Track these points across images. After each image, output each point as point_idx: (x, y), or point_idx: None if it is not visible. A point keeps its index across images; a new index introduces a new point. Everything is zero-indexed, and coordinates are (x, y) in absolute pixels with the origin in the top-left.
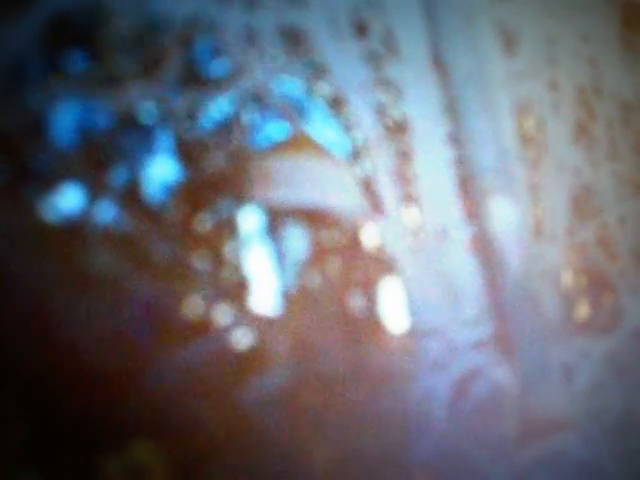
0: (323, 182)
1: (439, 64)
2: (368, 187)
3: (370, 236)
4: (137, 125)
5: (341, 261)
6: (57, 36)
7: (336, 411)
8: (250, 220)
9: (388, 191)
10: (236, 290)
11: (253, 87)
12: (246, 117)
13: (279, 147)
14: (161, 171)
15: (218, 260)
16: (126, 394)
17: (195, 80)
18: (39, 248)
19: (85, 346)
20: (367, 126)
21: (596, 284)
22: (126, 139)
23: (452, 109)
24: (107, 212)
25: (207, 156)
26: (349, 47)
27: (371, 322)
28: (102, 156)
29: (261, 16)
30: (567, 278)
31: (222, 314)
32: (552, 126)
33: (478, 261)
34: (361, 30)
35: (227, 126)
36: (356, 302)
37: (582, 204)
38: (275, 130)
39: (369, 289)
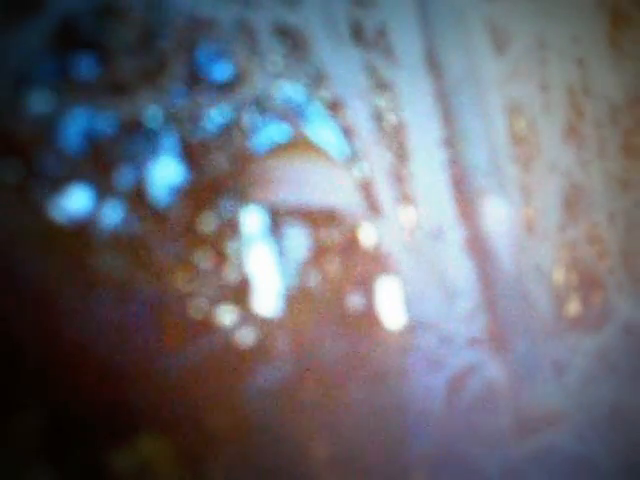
0: (322, 183)
1: (433, 67)
2: (366, 188)
3: (368, 235)
4: (142, 129)
5: (340, 260)
6: (65, 42)
7: (335, 406)
8: (252, 220)
9: (385, 192)
10: (239, 288)
11: (254, 91)
12: (248, 120)
13: (280, 149)
14: (166, 173)
15: (221, 259)
16: (133, 391)
17: (198, 85)
18: (48, 248)
19: (93, 344)
20: (364, 128)
21: (586, 281)
22: (132, 142)
23: (446, 111)
24: (114, 213)
25: (210, 158)
26: (347, 52)
27: (369, 319)
28: (109, 159)
29: (262, 23)
30: (558, 276)
31: (225, 312)
32: (543, 126)
33: (472, 259)
34: (358, 36)
35: (229, 129)
36: (354, 300)
37: (572, 203)
38: (276, 133)
39: (367, 287)
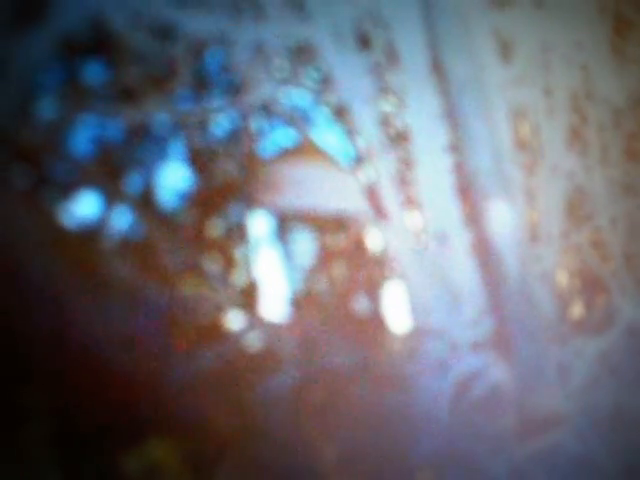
0: (328, 188)
1: (438, 72)
2: (371, 193)
3: (374, 240)
4: (151, 135)
5: (346, 264)
6: (74, 49)
7: (342, 410)
8: (259, 225)
9: (390, 196)
10: (247, 293)
11: (261, 97)
12: (255, 126)
13: (287, 154)
14: (174, 179)
15: (229, 264)
16: (142, 395)
17: (206, 91)
18: (57, 252)
19: (102, 349)
20: (370, 134)
21: (590, 285)
22: (140, 148)
23: (451, 116)
24: (122, 218)
25: (218, 164)
26: (353, 58)
27: (375, 323)
28: (117, 165)
29: (268, 30)
30: (562, 279)
31: (233, 316)
32: (546, 131)
33: (477, 263)
34: (364, 42)
35: (237, 135)
36: (361, 304)
37: (576, 207)
38: (283, 138)
39: (373, 291)
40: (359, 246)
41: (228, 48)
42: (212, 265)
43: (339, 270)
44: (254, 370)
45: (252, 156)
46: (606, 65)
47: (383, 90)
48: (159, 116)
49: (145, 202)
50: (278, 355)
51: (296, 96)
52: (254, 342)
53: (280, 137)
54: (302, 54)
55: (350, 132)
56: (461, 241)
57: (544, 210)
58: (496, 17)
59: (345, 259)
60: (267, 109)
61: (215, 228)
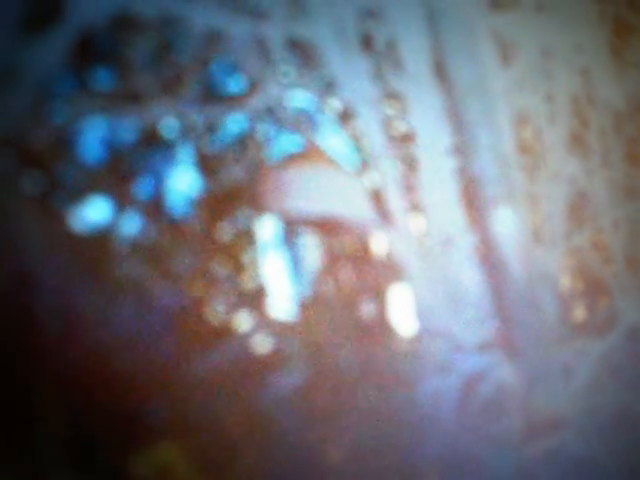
0: (334, 193)
1: (441, 76)
2: (376, 197)
3: (379, 244)
4: (159, 140)
5: (352, 268)
6: (83, 55)
7: (349, 411)
8: (267, 229)
9: (395, 201)
10: (255, 296)
11: (267, 102)
12: (261, 131)
13: (293, 159)
14: (183, 184)
15: (237, 268)
16: (151, 397)
17: (213, 97)
18: (68, 257)
19: (112, 352)
20: (375, 138)
21: (592, 287)
22: (149, 153)
23: (455, 120)
24: (132, 223)
25: (226, 169)
26: (357, 62)
27: (381, 326)
28: (127, 170)
29: (273, 35)
30: (565, 282)
31: (242, 319)
32: (548, 136)
33: (481, 267)
34: (368, 46)
35: (244, 140)
36: (366, 307)
37: (578, 210)
38: (289, 143)
39: (379, 294)
40: (364, 250)
41: (234, 53)
42: (220, 269)
43: (345, 273)
44: (262, 372)
45: (259, 161)
46: (607, 69)
47: (387, 94)
48: (167, 121)
49: (155, 207)
50: (286, 357)
51: (301, 101)
52: (262, 344)
53: (286, 142)
54: (307, 59)
55: (354, 136)
56: (465, 244)
57: (547, 213)
58: (498, 22)
59: (351, 263)
60: (273, 114)
61: (223, 232)
